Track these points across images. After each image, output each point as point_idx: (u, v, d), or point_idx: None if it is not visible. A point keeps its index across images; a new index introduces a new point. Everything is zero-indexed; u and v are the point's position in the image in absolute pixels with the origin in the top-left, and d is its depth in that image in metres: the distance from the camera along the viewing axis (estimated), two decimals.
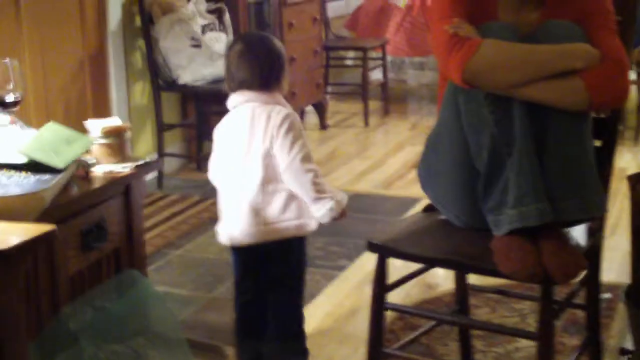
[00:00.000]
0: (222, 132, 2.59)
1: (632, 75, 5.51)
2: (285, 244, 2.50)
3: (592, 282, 2.40)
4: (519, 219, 2.06)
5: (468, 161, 2.16)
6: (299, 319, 2.58)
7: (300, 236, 2.52)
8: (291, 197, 2.47)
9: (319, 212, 2.43)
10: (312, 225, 2.52)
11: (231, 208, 2.56)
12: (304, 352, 2.59)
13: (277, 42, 2.59)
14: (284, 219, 2.48)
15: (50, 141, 2.29)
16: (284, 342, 2.57)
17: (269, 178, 2.46)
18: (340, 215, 2.45)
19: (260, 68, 2.51)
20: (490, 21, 2.18)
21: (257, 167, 2.47)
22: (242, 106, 2.54)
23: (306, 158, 2.44)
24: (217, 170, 2.62)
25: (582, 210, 2.11)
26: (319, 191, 2.42)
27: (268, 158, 2.46)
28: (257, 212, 2.49)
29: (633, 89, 6.07)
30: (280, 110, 2.50)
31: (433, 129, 2.33)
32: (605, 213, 2.21)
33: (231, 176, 2.55)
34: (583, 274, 2.19)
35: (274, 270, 2.54)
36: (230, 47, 2.58)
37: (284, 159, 2.44)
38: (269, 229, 2.48)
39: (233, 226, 2.55)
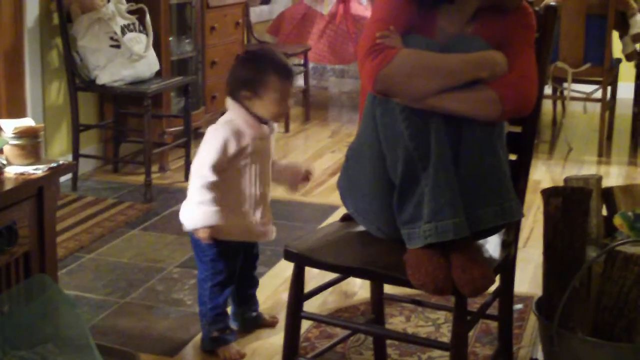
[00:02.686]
0: None
1: (547, 90, 5.63)
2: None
3: (506, 294, 2.43)
4: (434, 234, 2.08)
5: (386, 174, 2.18)
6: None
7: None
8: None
9: (192, 214, 2.69)
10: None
11: None
12: None
13: (259, 57, 2.74)
14: (184, 211, 2.76)
15: None
16: None
17: None
18: (200, 230, 2.68)
19: (229, 77, 2.77)
20: (432, 32, 2.22)
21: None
22: None
23: (206, 167, 2.65)
24: None
25: (499, 216, 2.15)
26: (202, 201, 2.66)
27: None
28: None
29: (548, 103, 6.22)
30: (219, 122, 2.74)
31: (354, 140, 2.34)
32: (521, 218, 2.25)
33: None
34: (493, 287, 2.22)
35: None
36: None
37: (195, 158, 2.72)
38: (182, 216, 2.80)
39: None
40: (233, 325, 2.90)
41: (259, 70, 2.70)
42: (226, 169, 2.69)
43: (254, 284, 2.98)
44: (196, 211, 2.68)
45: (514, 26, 2.24)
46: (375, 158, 2.20)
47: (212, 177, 2.66)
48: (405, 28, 2.19)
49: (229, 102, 2.76)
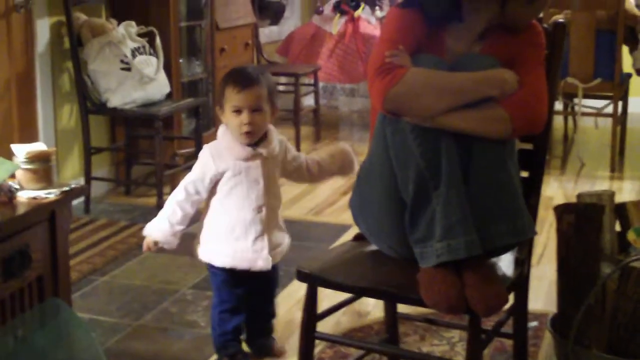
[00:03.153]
0: None
1: (558, 106, 5.62)
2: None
3: (520, 312, 2.42)
4: (447, 252, 2.07)
5: (398, 193, 2.17)
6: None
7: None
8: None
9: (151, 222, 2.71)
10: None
11: None
12: None
13: (229, 73, 2.66)
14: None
15: None
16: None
17: None
18: (144, 242, 2.70)
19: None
20: (440, 52, 2.22)
21: None
22: None
23: (178, 186, 2.69)
24: None
25: (511, 235, 2.14)
26: (160, 213, 2.70)
27: None
28: None
29: (559, 118, 6.21)
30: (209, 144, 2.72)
31: (365, 160, 2.33)
32: (534, 235, 2.24)
33: None
34: (507, 305, 2.21)
35: None
36: None
37: None
38: None
39: None
40: (248, 349, 2.87)
41: (221, 85, 2.61)
42: (212, 192, 2.66)
43: (268, 318, 2.87)
44: (155, 220, 2.70)
45: (523, 45, 2.25)
46: (386, 177, 2.20)
47: (179, 195, 2.65)
48: (414, 47, 2.20)
49: (221, 126, 2.72)
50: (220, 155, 2.64)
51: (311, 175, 2.80)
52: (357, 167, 2.84)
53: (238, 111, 2.57)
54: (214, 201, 2.67)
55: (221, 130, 2.68)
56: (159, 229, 2.67)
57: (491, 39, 2.26)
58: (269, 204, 2.68)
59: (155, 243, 2.69)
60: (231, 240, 2.67)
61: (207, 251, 2.72)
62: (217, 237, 2.68)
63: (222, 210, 2.67)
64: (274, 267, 2.77)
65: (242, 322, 2.80)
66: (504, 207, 2.14)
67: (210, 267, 2.74)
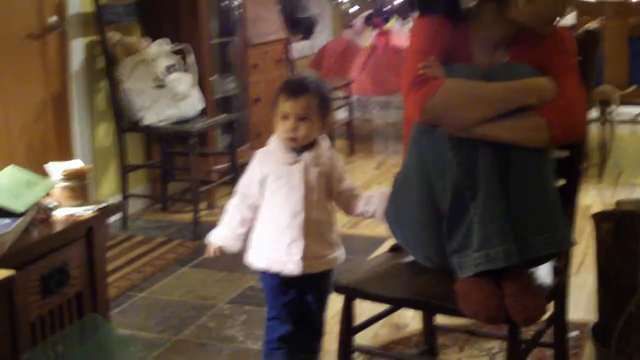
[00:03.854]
0: None
1: (594, 113, 5.57)
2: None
3: (559, 321, 2.39)
4: (485, 261, 2.06)
5: (434, 203, 2.16)
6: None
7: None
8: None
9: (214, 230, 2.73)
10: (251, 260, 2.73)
11: None
12: None
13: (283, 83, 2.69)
14: None
15: (10, 185, 2.26)
16: None
17: None
18: (208, 247, 2.73)
19: None
20: (460, 62, 2.21)
21: None
22: None
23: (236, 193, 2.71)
24: None
25: (550, 245, 2.12)
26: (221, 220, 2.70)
27: None
28: None
29: (595, 126, 6.15)
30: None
31: (400, 171, 2.33)
32: (573, 245, 2.21)
33: None
34: (547, 315, 2.19)
35: None
36: None
37: None
38: None
39: None
40: None
41: (276, 92, 2.66)
42: (257, 194, 2.66)
43: (315, 334, 2.77)
44: (217, 227, 2.73)
45: (550, 52, 2.23)
46: (422, 187, 2.19)
47: (234, 200, 2.69)
48: (443, 56, 2.20)
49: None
50: (266, 159, 2.68)
51: (346, 207, 2.75)
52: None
53: (285, 117, 2.61)
54: (261, 205, 2.70)
55: (273, 136, 2.71)
56: (221, 234, 2.72)
57: (517, 48, 2.25)
58: (309, 212, 2.66)
59: (219, 249, 2.73)
60: (268, 242, 2.68)
61: (250, 253, 2.73)
62: (258, 239, 2.70)
63: (264, 214, 2.70)
64: (325, 282, 2.70)
65: (288, 332, 2.77)
66: (542, 217, 2.12)
67: (260, 273, 2.76)
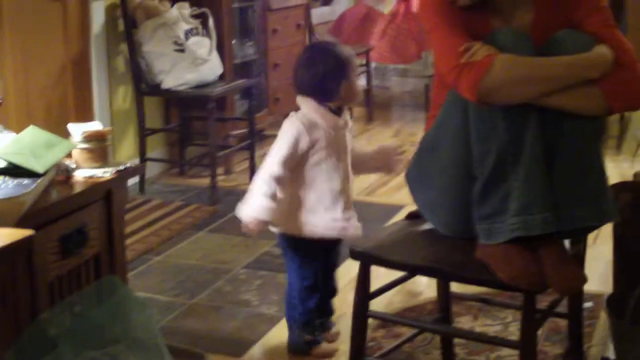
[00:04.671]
0: None
1: None
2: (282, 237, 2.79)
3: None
4: (522, 227, 2.03)
5: (467, 166, 2.13)
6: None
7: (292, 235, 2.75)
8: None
9: (250, 206, 2.64)
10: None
11: None
12: None
13: (333, 53, 2.73)
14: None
15: (30, 145, 2.27)
16: None
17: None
18: (250, 225, 2.64)
19: (298, 75, 2.72)
20: (485, 28, 2.15)
21: None
22: None
23: (273, 159, 2.64)
24: None
25: (596, 217, 2.09)
26: (257, 193, 2.62)
27: None
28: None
29: None
30: (291, 117, 2.70)
31: (429, 132, 2.28)
32: (617, 219, 2.18)
33: None
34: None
35: None
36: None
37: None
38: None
39: None
40: None
41: (342, 58, 2.73)
42: (300, 164, 2.67)
43: (331, 294, 2.89)
44: (254, 201, 2.64)
45: (581, 8, 2.14)
46: (454, 148, 2.16)
47: (278, 171, 2.63)
48: (465, 25, 2.14)
49: (300, 99, 2.73)
50: (314, 125, 2.67)
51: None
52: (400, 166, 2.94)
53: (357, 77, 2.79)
54: (299, 174, 2.69)
55: (306, 103, 2.70)
56: (264, 207, 2.62)
57: (541, 7, 2.17)
58: (350, 175, 2.78)
59: (266, 223, 2.66)
60: (320, 211, 2.70)
61: (294, 223, 2.71)
62: (305, 208, 2.69)
63: (309, 182, 2.69)
64: (341, 242, 2.82)
65: (320, 298, 2.82)
66: (591, 189, 2.08)
67: (291, 242, 2.75)
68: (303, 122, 2.67)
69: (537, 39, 2.11)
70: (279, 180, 2.64)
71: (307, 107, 2.70)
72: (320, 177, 2.70)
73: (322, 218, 2.70)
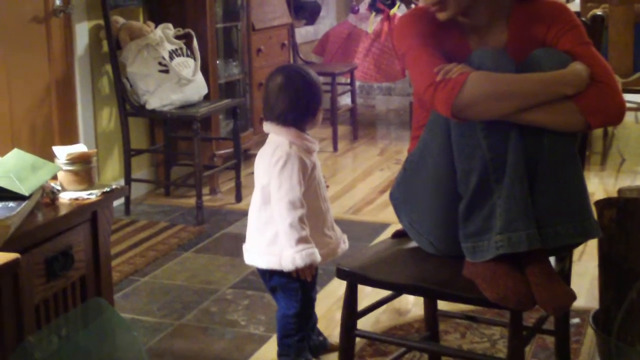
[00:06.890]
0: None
1: None
2: (268, 273, 2.73)
3: None
4: (507, 245, 2.04)
5: (450, 185, 2.14)
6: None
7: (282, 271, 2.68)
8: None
9: (292, 255, 2.60)
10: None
11: None
12: None
13: (310, 79, 2.71)
14: (270, 251, 2.68)
15: (14, 168, 2.26)
16: None
17: (265, 208, 2.69)
18: (306, 269, 2.63)
19: (276, 102, 2.69)
20: (461, 48, 2.18)
21: (256, 197, 2.72)
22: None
23: (292, 202, 2.61)
24: None
25: (579, 234, 2.09)
26: (299, 239, 2.60)
27: (266, 190, 2.67)
28: (255, 237, 2.72)
29: None
30: (280, 150, 2.66)
31: (414, 151, 2.29)
32: (599, 236, 2.17)
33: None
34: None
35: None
36: (269, 77, 2.76)
37: (274, 196, 2.64)
38: (258, 257, 2.72)
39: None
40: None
41: (318, 82, 2.74)
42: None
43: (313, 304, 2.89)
44: (295, 251, 2.61)
45: (556, 28, 2.16)
46: (438, 168, 2.17)
47: (298, 209, 2.62)
48: (441, 45, 2.16)
49: (275, 127, 2.69)
50: (306, 154, 2.69)
51: None
52: None
53: None
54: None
55: (285, 132, 2.68)
56: (309, 253, 2.63)
57: (515, 27, 2.19)
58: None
59: (316, 264, 2.67)
60: (326, 235, 2.75)
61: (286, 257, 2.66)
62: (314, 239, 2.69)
63: (310, 210, 2.68)
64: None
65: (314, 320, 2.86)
66: (572, 205, 2.09)
67: (285, 275, 2.70)
68: (298, 154, 2.65)
69: (512, 57, 2.12)
70: (304, 218, 2.63)
71: (291, 136, 2.68)
72: (317, 201, 2.73)
73: (327, 242, 2.75)
